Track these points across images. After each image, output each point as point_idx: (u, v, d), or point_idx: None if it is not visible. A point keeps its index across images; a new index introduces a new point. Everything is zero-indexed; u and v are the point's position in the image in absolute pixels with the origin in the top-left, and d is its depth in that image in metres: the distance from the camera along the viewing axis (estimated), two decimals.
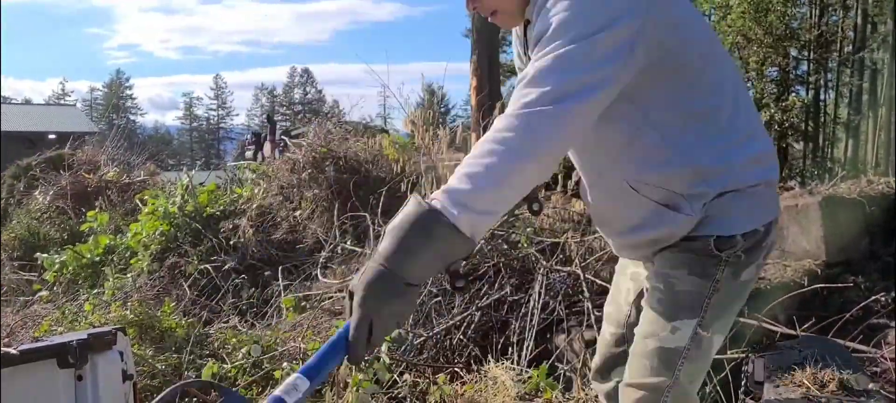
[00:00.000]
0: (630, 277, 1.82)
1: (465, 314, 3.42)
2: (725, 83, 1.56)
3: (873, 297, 3.32)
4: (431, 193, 1.29)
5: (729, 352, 2.98)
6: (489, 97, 7.04)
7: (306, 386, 1.28)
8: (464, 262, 1.33)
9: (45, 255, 5.65)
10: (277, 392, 1.25)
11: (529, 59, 1.45)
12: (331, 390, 2.90)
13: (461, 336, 3.36)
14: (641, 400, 1.60)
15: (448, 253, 1.25)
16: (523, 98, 1.31)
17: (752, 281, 1.62)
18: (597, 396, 2.06)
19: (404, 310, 1.27)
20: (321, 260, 4.54)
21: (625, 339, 1.78)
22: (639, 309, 1.69)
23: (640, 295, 1.73)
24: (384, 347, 3.06)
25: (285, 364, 3.11)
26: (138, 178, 8.36)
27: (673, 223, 1.55)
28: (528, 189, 1.35)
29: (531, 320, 3.30)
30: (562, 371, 3.13)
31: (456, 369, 3.21)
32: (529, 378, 3.00)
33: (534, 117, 1.29)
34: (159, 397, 1.92)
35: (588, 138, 1.53)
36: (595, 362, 1.93)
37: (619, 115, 1.47)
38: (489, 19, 1.64)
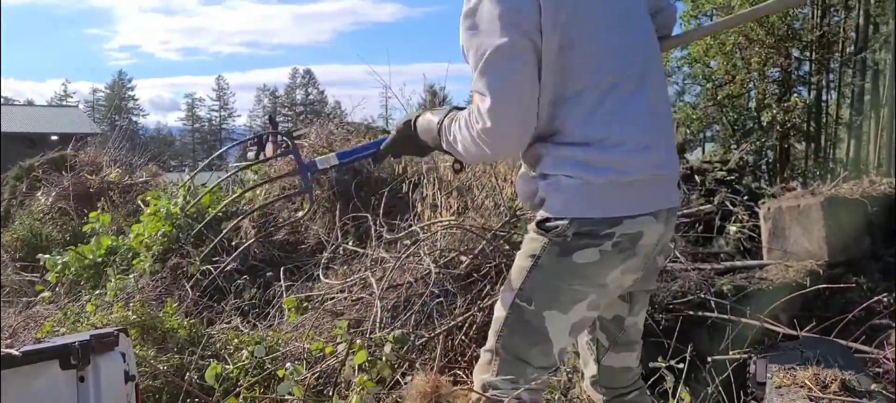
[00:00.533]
0: None
1: (467, 314, 3.41)
2: (593, 83, 1.70)
3: (875, 298, 3.32)
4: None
5: (731, 352, 2.98)
6: None
7: (336, 161, 2.04)
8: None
9: (47, 256, 5.65)
10: (315, 159, 2.06)
11: None
12: (334, 389, 2.90)
13: (463, 337, 3.36)
14: (480, 364, 1.86)
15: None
16: (482, 104, 1.68)
17: (603, 266, 1.71)
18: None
19: (417, 154, 2.07)
20: (323, 260, 4.54)
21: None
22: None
23: None
24: (387, 347, 3.06)
25: (289, 364, 3.11)
26: (140, 179, 8.36)
27: (523, 182, 1.83)
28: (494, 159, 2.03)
29: None
30: (563, 371, 3.13)
31: (457, 370, 3.21)
32: None
33: (492, 136, 1.68)
34: None
35: None
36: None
37: None
38: None
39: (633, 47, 1.78)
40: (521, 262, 1.79)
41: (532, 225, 1.79)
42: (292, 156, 2.05)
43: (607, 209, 1.68)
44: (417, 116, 1.99)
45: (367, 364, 2.96)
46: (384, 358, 3.02)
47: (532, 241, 1.77)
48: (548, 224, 1.72)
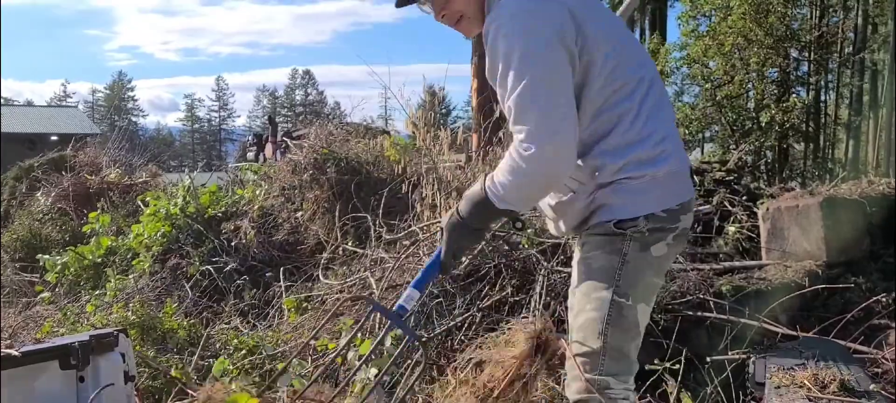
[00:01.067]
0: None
1: (467, 315, 3.42)
2: (634, 94, 1.80)
3: (874, 298, 3.32)
4: (479, 182, 1.83)
5: (730, 353, 2.98)
6: (490, 98, 7.02)
7: (418, 294, 1.97)
8: (520, 218, 1.90)
9: (47, 257, 5.66)
10: (400, 301, 1.95)
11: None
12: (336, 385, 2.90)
13: (462, 337, 3.36)
14: (583, 366, 1.86)
15: (500, 216, 1.87)
16: (518, 136, 1.71)
17: (668, 257, 1.88)
18: None
19: (475, 242, 2.24)
20: (322, 261, 4.54)
21: None
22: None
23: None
24: (388, 340, 3.07)
25: (295, 361, 3.11)
26: (140, 180, 8.37)
27: (571, 203, 1.86)
28: (549, 191, 1.84)
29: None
30: (563, 372, 3.13)
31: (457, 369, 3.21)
32: None
33: (534, 158, 1.68)
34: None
35: None
36: None
37: None
38: (454, 27, 1.94)
39: (643, 51, 1.96)
40: (605, 262, 1.83)
41: (600, 229, 1.83)
42: (379, 312, 2.05)
43: (670, 199, 1.81)
44: (457, 206, 1.90)
45: (369, 362, 2.97)
46: (386, 354, 3.02)
47: (610, 242, 1.82)
48: (623, 223, 1.79)
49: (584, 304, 1.87)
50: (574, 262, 1.95)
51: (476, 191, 1.82)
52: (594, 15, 1.80)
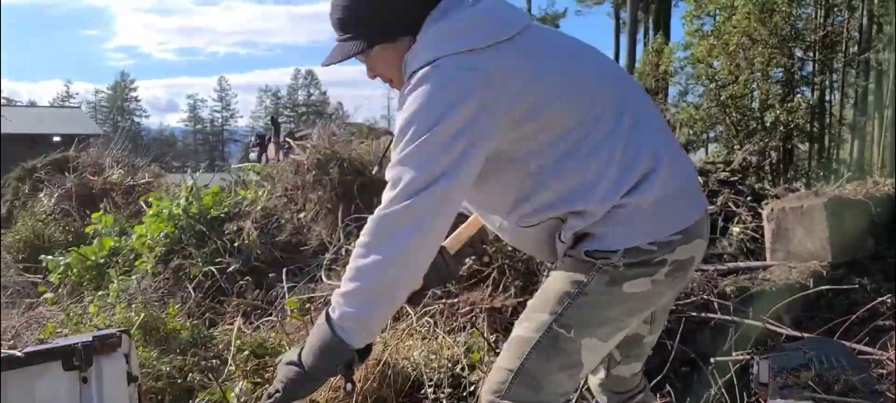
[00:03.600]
0: None
1: (470, 315, 3.41)
2: (597, 124, 1.62)
3: (879, 299, 3.31)
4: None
5: (734, 353, 2.98)
6: None
7: None
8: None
9: (50, 257, 5.66)
10: None
11: None
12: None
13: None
14: (492, 381, 1.72)
15: (349, 357, 1.57)
16: (382, 204, 1.53)
17: (654, 294, 1.68)
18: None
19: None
20: (325, 261, 4.53)
21: None
22: None
23: None
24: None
25: None
26: (143, 180, 8.37)
27: (558, 245, 1.69)
28: (406, 290, 1.58)
29: None
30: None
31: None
32: None
33: (385, 221, 1.51)
34: None
35: (480, 200, 1.77)
36: None
37: (507, 178, 1.65)
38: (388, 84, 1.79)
39: (603, 77, 1.71)
40: (561, 286, 1.69)
41: (573, 251, 1.67)
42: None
43: (658, 230, 1.63)
44: (300, 349, 1.62)
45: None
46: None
47: (576, 268, 1.67)
48: (596, 252, 1.63)
49: (523, 320, 1.74)
50: None
51: (320, 325, 1.66)
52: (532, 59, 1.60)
